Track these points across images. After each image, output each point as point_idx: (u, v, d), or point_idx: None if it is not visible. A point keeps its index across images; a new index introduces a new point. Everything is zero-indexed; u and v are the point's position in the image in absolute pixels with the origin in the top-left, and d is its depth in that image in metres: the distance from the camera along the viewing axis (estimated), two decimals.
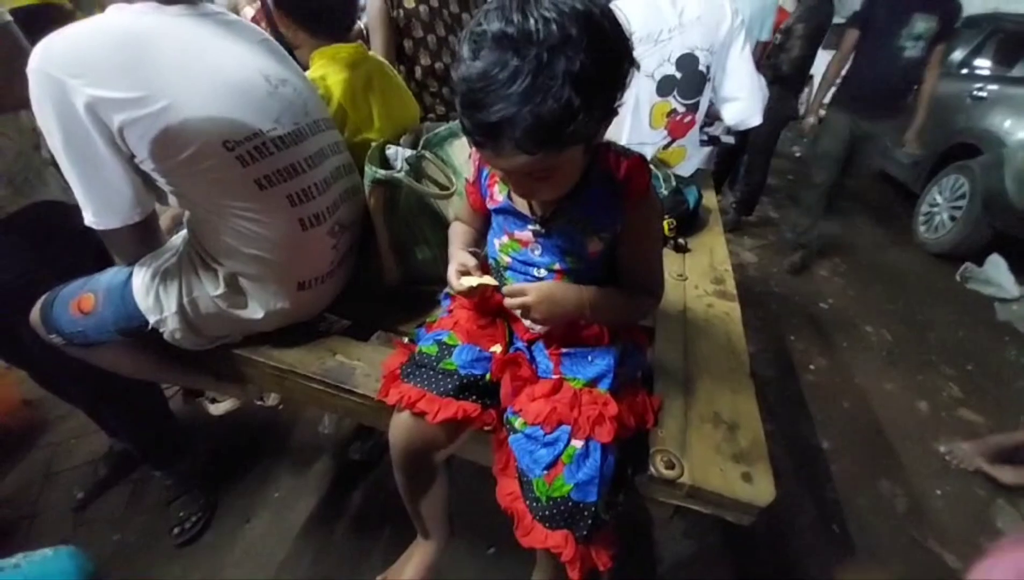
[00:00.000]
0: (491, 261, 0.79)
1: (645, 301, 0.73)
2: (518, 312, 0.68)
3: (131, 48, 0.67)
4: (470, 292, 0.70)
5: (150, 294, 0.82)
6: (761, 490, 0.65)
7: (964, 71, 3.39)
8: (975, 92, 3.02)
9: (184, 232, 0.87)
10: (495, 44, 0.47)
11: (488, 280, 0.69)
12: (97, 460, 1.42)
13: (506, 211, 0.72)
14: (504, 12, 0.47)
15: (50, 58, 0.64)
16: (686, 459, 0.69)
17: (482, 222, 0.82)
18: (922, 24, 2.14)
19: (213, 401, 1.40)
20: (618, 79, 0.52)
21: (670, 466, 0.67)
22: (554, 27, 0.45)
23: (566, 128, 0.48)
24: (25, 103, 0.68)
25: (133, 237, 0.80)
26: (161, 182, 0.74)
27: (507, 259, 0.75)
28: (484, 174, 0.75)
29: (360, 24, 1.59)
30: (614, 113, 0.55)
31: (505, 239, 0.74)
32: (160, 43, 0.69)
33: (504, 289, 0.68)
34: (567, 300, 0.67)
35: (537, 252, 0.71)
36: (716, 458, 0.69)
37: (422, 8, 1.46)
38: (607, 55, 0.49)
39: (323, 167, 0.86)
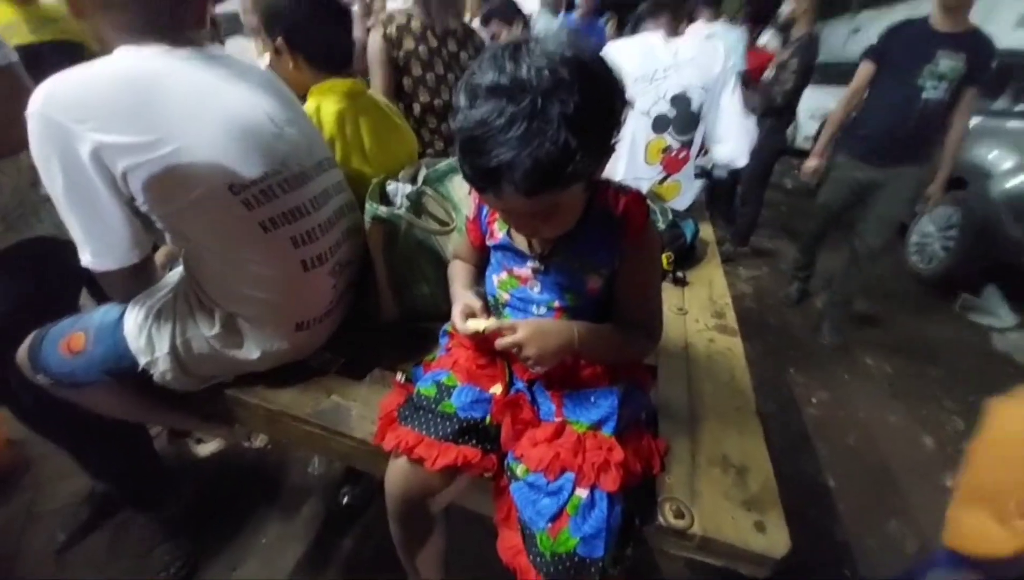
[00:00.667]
0: (490, 298, 0.78)
1: (641, 341, 0.72)
2: (514, 350, 0.66)
3: (137, 92, 0.66)
4: (476, 335, 0.69)
5: (143, 334, 0.80)
6: (775, 540, 0.62)
7: None
8: None
9: (179, 269, 0.86)
10: (490, 93, 0.48)
11: (495, 323, 0.67)
12: (79, 502, 1.36)
13: (505, 248, 0.72)
14: (497, 62, 0.49)
15: (53, 102, 0.63)
16: (695, 507, 0.66)
17: (481, 259, 0.81)
18: (947, 63, 1.85)
19: (199, 442, 1.36)
20: (612, 118, 0.54)
21: (679, 515, 0.64)
22: (546, 73, 0.47)
23: (564, 169, 0.49)
24: (26, 145, 0.67)
25: (130, 278, 0.78)
26: (161, 224, 0.73)
27: (506, 296, 0.74)
28: (484, 211, 0.76)
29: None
30: (611, 150, 0.56)
31: (504, 276, 0.74)
32: (167, 86, 0.69)
33: (496, 324, 0.66)
34: (558, 335, 0.65)
35: (536, 289, 0.71)
36: (727, 505, 0.66)
37: (421, 48, 1.50)
38: (599, 95, 0.51)
39: (327, 207, 0.86)
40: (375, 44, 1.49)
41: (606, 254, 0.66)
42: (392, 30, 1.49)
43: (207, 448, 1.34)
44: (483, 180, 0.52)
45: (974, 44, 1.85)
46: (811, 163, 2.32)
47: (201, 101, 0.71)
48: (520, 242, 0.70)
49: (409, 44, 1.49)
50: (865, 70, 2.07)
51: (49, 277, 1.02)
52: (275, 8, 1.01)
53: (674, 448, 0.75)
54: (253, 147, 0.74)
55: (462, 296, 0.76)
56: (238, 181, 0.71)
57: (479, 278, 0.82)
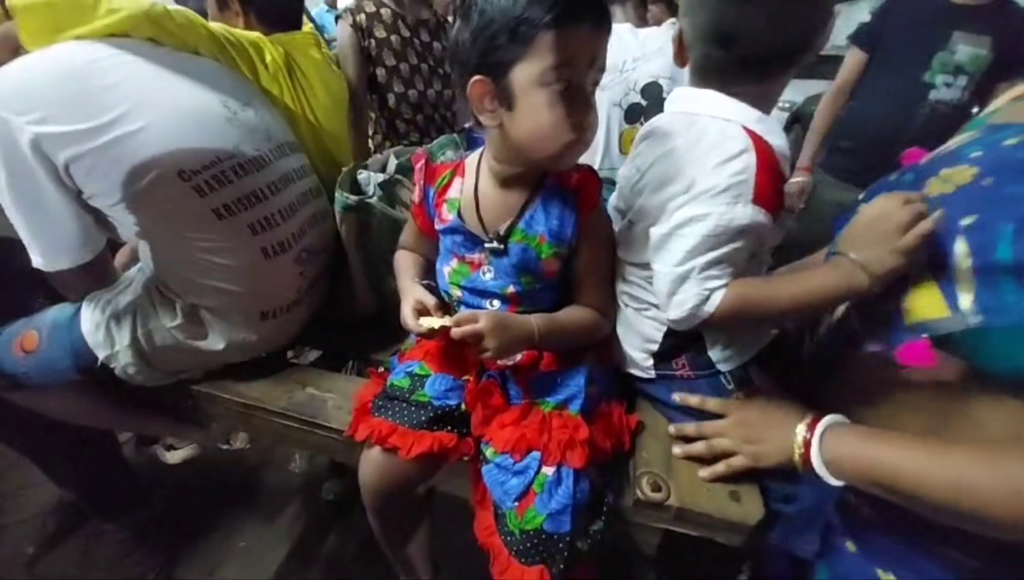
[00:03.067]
0: (443, 294, 0.76)
1: (597, 324, 0.71)
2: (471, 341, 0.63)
3: (78, 80, 0.65)
4: (430, 334, 0.65)
5: (100, 329, 0.77)
6: (749, 508, 0.63)
7: None
8: None
9: (139, 265, 0.84)
10: None
11: (450, 321, 0.64)
12: (47, 512, 1.32)
13: (456, 231, 0.70)
14: None
15: None
16: (672, 480, 0.67)
17: (430, 248, 0.79)
18: (967, 49, 1.35)
19: (170, 448, 1.31)
20: None
21: (656, 488, 0.65)
22: None
23: None
24: None
25: (84, 277, 0.76)
26: (113, 216, 0.71)
27: (458, 292, 0.72)
28: (430, 193, 0.73)
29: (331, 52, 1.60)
30: None
31: (455, 263, 0.72)
32: (109, 73, 0.67)
33: (454, 317, 0.63)
34: (519, 328, 0.64)
35: (489, 275, 0.69)
36: (701, 479, 0.67)
37: (393, 37, 1.48)
38: None
39: (287, 192, 0.84)
40: (344, 34, 1.46)
41: (562, 230, 0.65)
42: (361, 19, 1.46)
43: (177, 455, 1.30)
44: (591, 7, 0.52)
45: (1004, 21, 1.33)
46: (795, 180, 1.73)
47: (145, 86, 0.69)
48: (473, 225, 0.68)
49: (380, 33, 1.47)
50: (853, 61, 1.57)
51: (3, 278, 0.98)
52: None
53: (650, 425, 0.75)
54: (203, 131, 0.72)
55: (411, 290, 0.72)
56: (188, 167, 0.69)
57: (430, 270, 0.80)
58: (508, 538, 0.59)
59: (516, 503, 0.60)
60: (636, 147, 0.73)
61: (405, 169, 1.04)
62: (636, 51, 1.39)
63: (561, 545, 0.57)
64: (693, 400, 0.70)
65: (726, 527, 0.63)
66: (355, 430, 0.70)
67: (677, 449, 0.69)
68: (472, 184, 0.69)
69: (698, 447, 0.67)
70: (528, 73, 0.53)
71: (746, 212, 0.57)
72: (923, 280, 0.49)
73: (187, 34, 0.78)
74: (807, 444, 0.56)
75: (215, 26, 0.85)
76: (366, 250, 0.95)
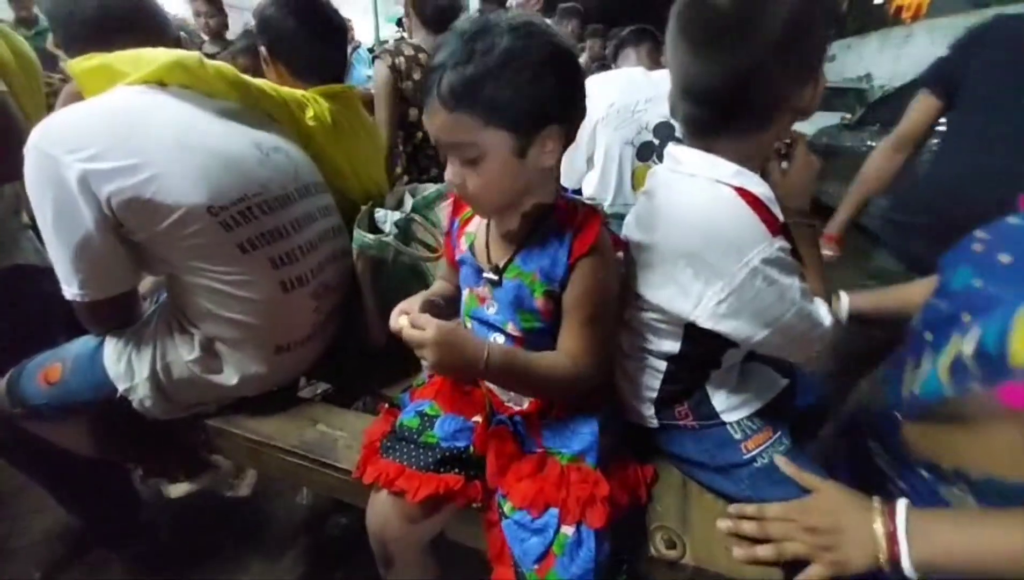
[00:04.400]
0: (463, 322, 0.77)
1: (568, 374, 0.63)
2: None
3: (124, 121, 0.69)
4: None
5: (122, 360, 0.79)
6: (770, 571, 0.60)
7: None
8: (932, 148, 3.21)
9: (162, 298, 0.86)
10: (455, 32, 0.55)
11: (406, 321, 0.63)
12: (54, 538, 1.31)
13: (465, 262, 0.72)
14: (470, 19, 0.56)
15: (47, 135, 0.67)
16: (687, 536, 0.65)
17: (457, 278, 0.79)
18: None
19: (173, 481, 1.31)
20: (555, 89, 0.55)
21: (671, 545, 0.63)
22: (507, 23, 0.53)
23: (484, 90, 0.52)
24: (15, 176, 0.68)
25: (113, 310, 0.78)
26: (148, 249, 0.74)
27: (469, 322, 0.73)
28: (455, 224, 0.76)
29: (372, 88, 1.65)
30: (548, 125, 0.56)
31: (466, 294, 0.73)
32: (153, 115, 0.72)
33: (411, 316, 0.62)
34: (465, 351, 0.59)
35: (492, 310, 0.69)
36: (719, 533, 0.65)
37: None
38: (549, 62, 0.54)
39: (310, 229, 0.86)
40: (382, 75, 1.52)
41: (552, 270, 0.63)
42: (400, 61, 1.53)
43: (180, 488, 1.29)
44: (423, 89, 0.56)
45: None
46: (826, 252, 1.39)
47: (185, 130, 0.73)
48: (479, 254, 0.70)
49: (417, 75, 1.54)
50: (925, 108, 1.24)
51: (31, 306, 1.01)
52: (263, 18, 1.03)
53: (663, 475, 0.74)
54: (234, 171, 0.75)
55: (410, 299, 0.73)
56: (217, 202, 0.72)
57: (454, 296, 0.80)
58: None
59: (536, 565, 0.58)
60: (639, 201, 0.74)
61: (419, 207, 1.06)
62: (648, 92, 1.42)
63: None
64: (791, 471, 0.65)
65: None
66: (363, 471, 0.70)
67: (723, 524, 0.64)
68: (486, 220, 0.71)
69: (748, 528, 0.62)
70: None
71: (771, 243, 0.57)
72: None
73: (219, 84, 0.82)
74: (891, 538, 0.53)
75: (258, 81, 0.89)
76: (380, 286, 0.96)
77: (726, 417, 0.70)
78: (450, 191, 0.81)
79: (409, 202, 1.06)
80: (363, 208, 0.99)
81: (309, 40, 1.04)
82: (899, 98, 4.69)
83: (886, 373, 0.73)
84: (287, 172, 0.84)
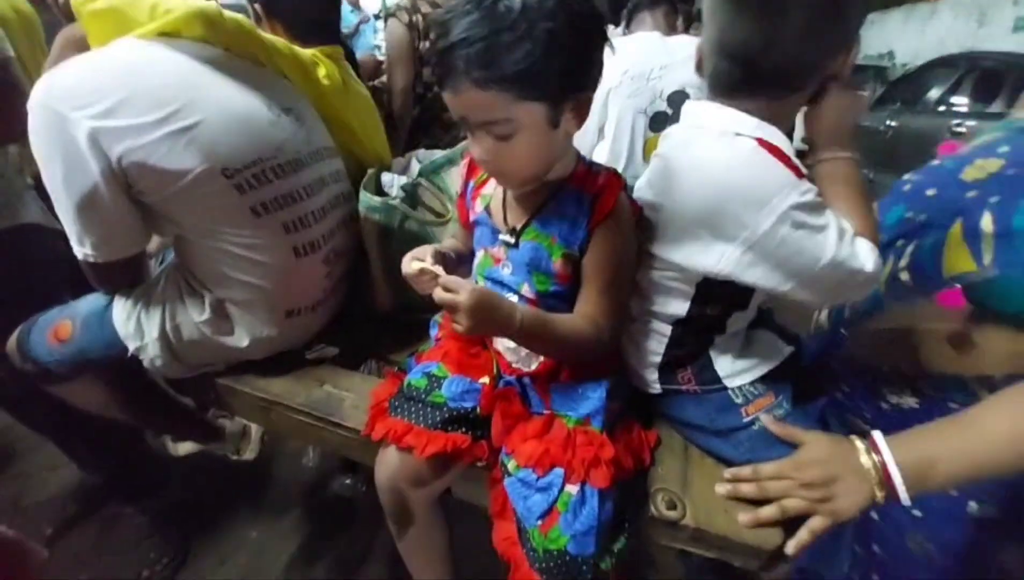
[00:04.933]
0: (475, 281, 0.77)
1: (590, 337, 0.64)
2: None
3: (135, 77, 0.67)
4: (419, 276, 0.64)
5: (131, 320, 0.79)
6: (768, 532, 0.61)
7: (942, 108, 3.53)
8: (954, 128, 3.14)
9: (170, 259, 0.86)
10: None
11: (436, 268, 0.62)
12: (66, 495, 1.35)
13: (482, 223, 0.72)
14: None
15: (52, 92, 0.64)
16: (688, 498, 0.66)
17: (470, 239, 0.79)
18: None
19: (174, 440, 1.34)
20: (584, 53, 0.54)
21: (672, 506, 0.64)
22: None
23: (518, 63, 0.49)
24: (16, 136, 0.67)
25: (124, 271, 0.78)
26: (159, 211, 0.73)
27: (483, 282, 0.73)
28: (470, 186, 0.75)
29: (379, 56, 1.61)
30: (579, 92, 0.55)
31: (481, 254, 0.73)
32: (164, 71, 0.69)
33: (441, 279, 0.60)
34: (499, 312, 0.59)
35: (507, 270, 0.69)
36: (719, 497, 0.66)
37: None
38: (577, 26, 0.51)
39: (322, 195, 0.85)
40: (398, 34, 1.45)
41: (571, 233, 0.63)
42: (417, 19, 1.46)
43: (185, 447, 1.32)
44: (442, 67, 0.52)
45: None
46: None
47: (197, 84, 0.71)
48: (495, 215, 0.70)
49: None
50: None
51: (37, 265, 1.01)
52: None
53: (665, 439, 0.74)
54: (248, 132, 0.73)
55: (420, 248, 0.71)
56: (231, 165, 0.71)
57: (464, 255, 0.80)
58: (531, 554, 0.58)
59: (540, 521, 0.59)
60: (651, 163, 0.72)
61: (426, 172, 1.04)
62: (664, 59, 1.38)
63: (585, 567, 0.57)
64: (775, 428, 0.66)
65: (742, 550, 0.62)
66: (372, 429, 0.70)
67: (722, 488, 0.65)
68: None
69: (747, 489, 0.63)
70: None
71: (797, 187, 0.56)
72: (957, 244, 0.63)
73: (238, 38, 0.79)
74: (884, 470, 0.55)
75: (271, 37, 0.86)
76: (387, 251, 0.96)
77: (728, 382, 0.70)
78: (466, 153, 0.78)
79: (416, 167, 1.04)
80: (370, 171, 0.98)
81: None
82: (920, 77, 4.57)
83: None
84: (299, 135, 0.83)
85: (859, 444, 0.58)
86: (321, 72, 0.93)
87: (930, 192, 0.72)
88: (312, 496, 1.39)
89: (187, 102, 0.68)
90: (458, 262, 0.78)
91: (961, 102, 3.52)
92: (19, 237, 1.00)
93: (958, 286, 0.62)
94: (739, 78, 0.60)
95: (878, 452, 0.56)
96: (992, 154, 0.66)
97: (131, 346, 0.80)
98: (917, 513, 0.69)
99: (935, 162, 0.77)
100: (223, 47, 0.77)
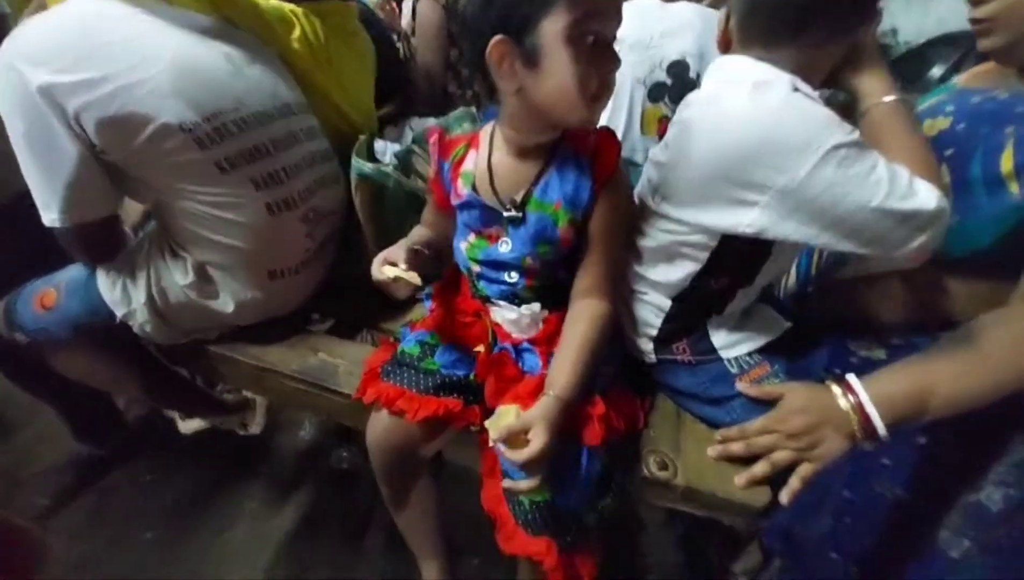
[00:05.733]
0: (463, 270, 0.75)
1: (606, 324, 0.64)
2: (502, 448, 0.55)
3: (87, 31, 0.66)
4: (393, 283, 0.63)
5: (116, 286, 0.79)
6: (757, 490, 0.63)
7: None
8: None
9: (152, 223, 0.84)
10: None
11: (412, 276, 0.61)
12: (61, 467, 1.35)
13: (471, 205, 0.68)
14: None
15: (12, 48, 0.64)
16: (679, 460, 0.66)
17: (447, 224, 0.76)
18: None
19: (183, 417, 1.34)
20: None
21: (663, 467, 0.65)
22: None
23: None
24: None
25: (96, 238, 0.77)
26: (127, 171, 0.71)
27: (477, 267, 0.71)
28: (445, 167, 0.71)
29: (404, 24, 1.56)
30: None
31: (472, 238, 0.69)
32: (117, 27, 0.67)
33: (494, 438, 0.55)
34: (558, 416, 0.56)
35: (506, 247, 0.67)
36: (710, 458, 0.67)
37: None
38: None
39: (294, 151, 0.83)
40: (431, 14, 1.40)
41: (577, 195, 0.62)
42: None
43: (192, 425, 1.32)
44: None
45: None
46: None
47: (151, 39, 0.69)
48: (484, 192, 0.66)
49: None
50: None
51: (35, 234, 0.99)
52: None
53: (659, 405, 0.75)
54: (204, 83, 0.71)
55: (391, 248, 0.70)
56: (188, 119, 0.69)
57: (440, 243, 0.77)
58: (516, 508, 0.59)
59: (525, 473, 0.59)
60: (670, 129, 0.69)
61: (421, 139, 1.03)
62: (663, 25, 1.34)
63: (569, 519, 0.58)
64: (753, 391, 0.67)
65: (732, 508, 0.63)
66: (363, 393, 0.71)
67: (713, 451, 0.66)
68: (486, 156, 0.67)
69: (736, 448, 0.65)
70: (555, 28, 0.50)
71: (840, 128, 0.53)
72: None
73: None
74: (861, 409, 0.58)
75: None
76: (379, 218, 0.94)
77: (724, 353, 0.70)
78: (432, 130, 0.74)
79: (409, 134, 1.02)
80: (361, 137, 0.96)
81: None
82: (923, 55, 4.49)
83: (798, 257, 0.88)
84: (264, 88, 0.80)
85: (835, 389, 0.60)
86: (295, 33, 0.89)
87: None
88: (309, 467, 1.41)
89: (138, 58, 0.66)
90: (435, 257, 0.74)
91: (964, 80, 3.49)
92: (20, 206, 0.97)
93: None
94: (766, 25, 0.59)
95: (853, 393, 0.59)
96: (940, 113, 0.70)
97: (119, 312, 0.79)
98: (886, 461, 0.73)
99: None
100: (176, 3, 0.74)
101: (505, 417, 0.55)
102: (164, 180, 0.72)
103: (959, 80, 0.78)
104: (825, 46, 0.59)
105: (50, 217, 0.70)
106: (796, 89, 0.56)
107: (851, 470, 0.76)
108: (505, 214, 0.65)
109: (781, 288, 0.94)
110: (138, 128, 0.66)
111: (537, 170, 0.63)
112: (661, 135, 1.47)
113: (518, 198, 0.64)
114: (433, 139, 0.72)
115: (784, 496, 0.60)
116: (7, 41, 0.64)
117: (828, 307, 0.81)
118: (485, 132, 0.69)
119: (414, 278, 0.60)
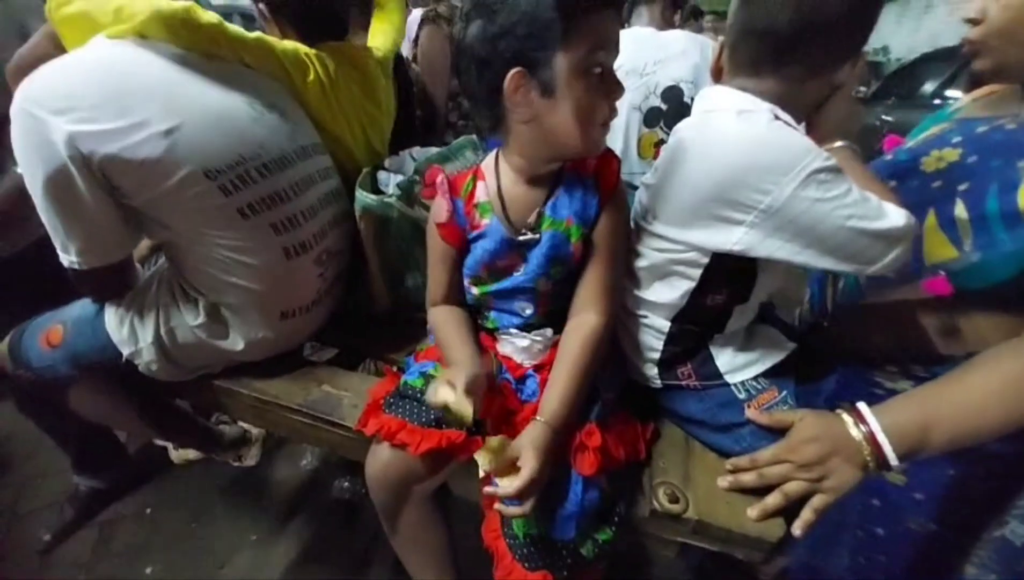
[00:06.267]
0: (469, 299, 0.75)
1: (597, 334, 0.64)
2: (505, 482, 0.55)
3: (112, 79, 0.66)
4: (443, 408, 0.58)
5: (124, 325, 0.79)
6: (771, 523, 0.61)
7: (937, 101, 3.54)
8: None
9: (162, 263, 0.85)
10: None
11: (464, 408, 0.56)
12: (63, 501, 1.34)
13: (490, 235, 0.68)
14: None
15: (31, 95, 0.63)
16: (690, 491, 0.65)
17: (459, 258, 0.73)
18: None
19: (177, 447, 1.32)
20: None
21: (674, 499, 0.64)
22: None
23: None
24: None
25: (111, 278, 0.77)
26: (145, 214, 0.72)
27: (490, 300, 0.71)
28: (459, 205, 0.71)
29: (406, 51, 1.58)
30: None
31: (483, 274, 0.70)
32: (142, 73, 0.68)
33: (500, 489, 0.54)
34: (551, 442, 0.58)
35: (521, 269, 0.68)
36: (721, 490, 0.66)
37: None
38: None
39: (310, 194, 0.84)
40: (436, 43, 1.44)
41: (587, 211, 0.65)
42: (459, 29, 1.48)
43: (186, 455, 1.31)
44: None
45: None
46: None
47: (174, 87, 0.70)
48: (504, 224, 0.67)
49: None
50: None
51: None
52: None
53: (667, 433, 0.74)
54: (229, 131, 0.72)
55: (459, 366, 0.63)
56: (214, 166, 0.70)
57: (474, 325, 0.76)
58: (512, 541, 0.59)
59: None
60: (661, 153, 0.72)
61: (422, 169, 1.04)
62: (657, 54, 1.37)
63: (565, 552, 0.57)
64: (764, 419, 0.66)
65: (745, 542, 0.62)
66: (365, 424, 0.70)
67: (724, 481, 0.65)
68: (495, 186, 0.68)
69: (748, 479, 0.64)
70: (568, 61, 0.54)
71: (819, 154, 0.56)
72: (935, 234, 0.65)
73: (205, 41, 0.76)
74: (873, 439, 0.57)
75: (253, 36, 0.83)
76: (384, 249, 0.95)
77: (730, 378, 0.70)
78: (433, 170, 0.74)
79: (412, 165, 1.03)
80: (364, 170, 0.97)
81: None
82: (915, 71, 4.58)
83: (810, 291, 0.89)
84: (283, 132, 0.81)
85: (846, 417, 0.60)
86: (310, 76, 0.91)
87: (891, 185, 0.72)
88: (312, 498, 1.39)
89: (164, 106, 0.67)
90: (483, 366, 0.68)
91: (956, 95, 3.52)
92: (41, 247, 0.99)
93: (942, 273, 0.64)
94: (767, 49, 0.61)
95: (865, 423, 0.58)
96: (946, 144, 0.68)
97: (125, 351, 0.79)
98: (919, 496, 0.70)
99: (887, 157, 0.80)
100: (189, 48, 0.75)
101: (493, 448, 0.55)
102: (185, 224, 0.72)
103: (959, 104, 0.78)
104: (806, 81, 0.62)
105: (68, 260, 0.71)
106: (776, 117, 0.59)
107: (880, 505, 0.74)
108: (520, 239, 0.67)
109: (796, 319, 0.93)
110: (164, 175, 0.67)
111: (546, 194, 0.66)
112: (657, 158, 1.50)
113: (531, 221, 0.66)
114: (439, 179, 0.72)
115: (797, 529, 0.58)
116: (26, 87, 0.63)
117: (846, 337, 0.79)
118: (488, 164, 0.70)
119: (466, 412, 0.55)
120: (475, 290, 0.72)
